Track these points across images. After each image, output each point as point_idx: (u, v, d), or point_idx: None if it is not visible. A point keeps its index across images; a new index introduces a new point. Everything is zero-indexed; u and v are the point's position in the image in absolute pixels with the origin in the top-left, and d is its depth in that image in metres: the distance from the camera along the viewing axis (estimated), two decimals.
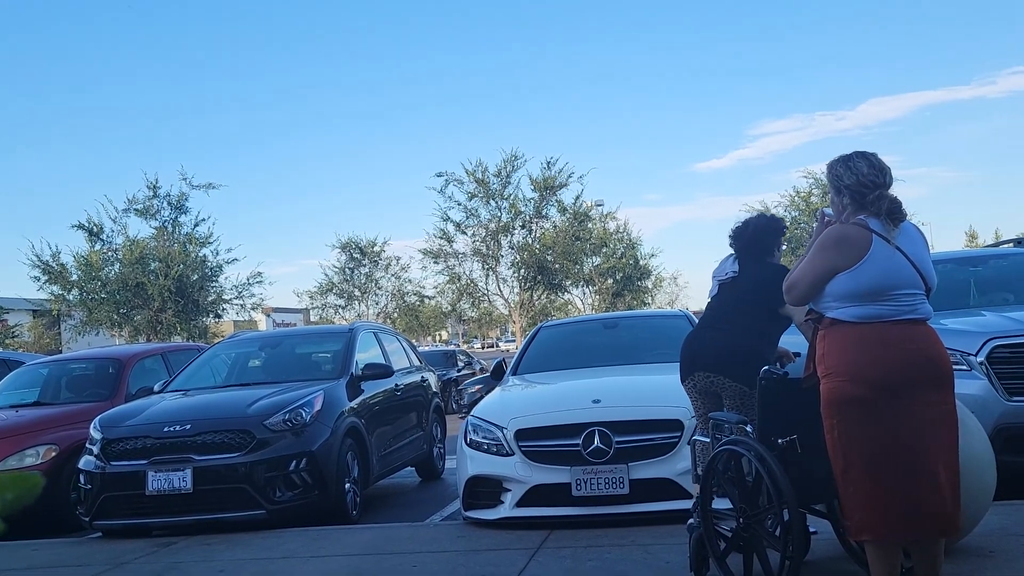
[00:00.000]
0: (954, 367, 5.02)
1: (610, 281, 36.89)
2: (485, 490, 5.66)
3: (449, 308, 35.01)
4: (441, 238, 31.06)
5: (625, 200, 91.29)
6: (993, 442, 4.81)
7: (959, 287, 6.80)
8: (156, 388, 7.76)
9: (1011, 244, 7.73)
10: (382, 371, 7.79)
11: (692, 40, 67.00)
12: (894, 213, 3.34)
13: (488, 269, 31.45)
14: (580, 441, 5.38)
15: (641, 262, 38.33)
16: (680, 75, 68.44)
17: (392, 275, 37.25)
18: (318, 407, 6.65)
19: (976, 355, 5.14)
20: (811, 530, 4.20)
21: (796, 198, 35.53)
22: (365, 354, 8.03)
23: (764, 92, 68.82)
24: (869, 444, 3.15)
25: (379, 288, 37.31)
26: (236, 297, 27.38)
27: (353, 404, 7.15)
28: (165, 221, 26.34)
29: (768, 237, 4.51)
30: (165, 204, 26.20)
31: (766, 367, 3.75)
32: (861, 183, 3.34)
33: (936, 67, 64.86)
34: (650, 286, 41.11)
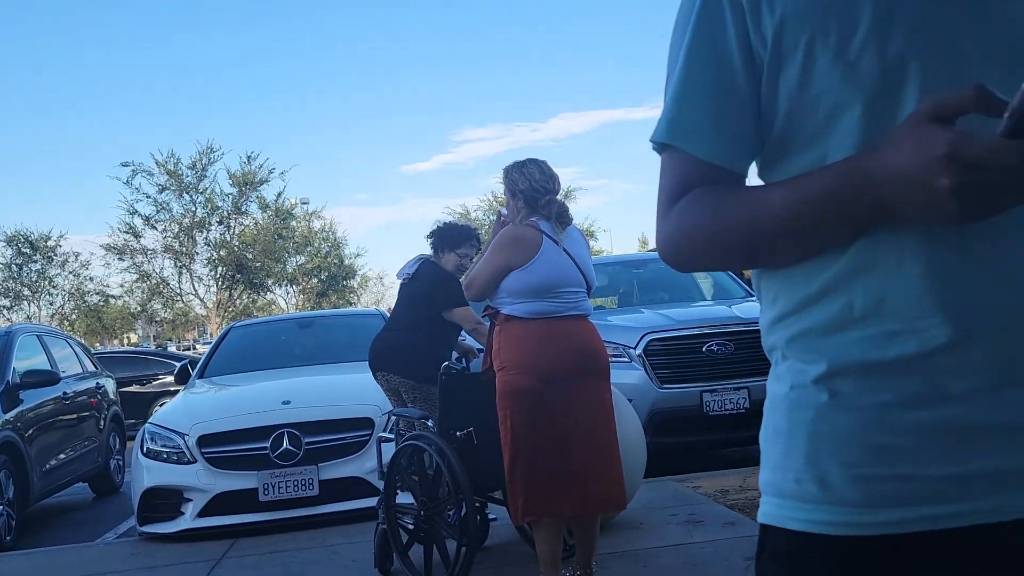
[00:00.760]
0: (617, 359, 5.61)
1: (315, 280, 36.25)
2: (164, 502, 5.32)
3: (139, 309, 32.34)
4: (127, 233, 28.53)
5: (332, 199, 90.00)
6: (648, 426, 5.39)
7: (626, 287, 7.55)
8: None
9: None
10: (46, 378, 7.02)
11: (401, 43, 67.82)
12: (562, 217, 3.60)
13: (182, 267, 29.44)
14: (268, 444, 5.23)
15: (347, 262, 38.11)
16: (388, 77, 69.01)
17: (70, 272, 33.57)
18: None
19: (635, 348, 5.71)
20: (491, 517, 4.42)
21: (495, 202, 37.27)
22: (26, 360, 7.18)
23: (467, 101, 71.49)
24: (537, 431, 3.37)
25: (54, 287, 33.45)
26: None
27: (8, 416, 6.36)
28: None
29: (444, 241, 4.71)
30: None
31: (446, 363, 3.89)
32: (534, 188, 3.56)
33: (616, 89, 71.57)
34: (356, 286, 40.98)
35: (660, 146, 0.94)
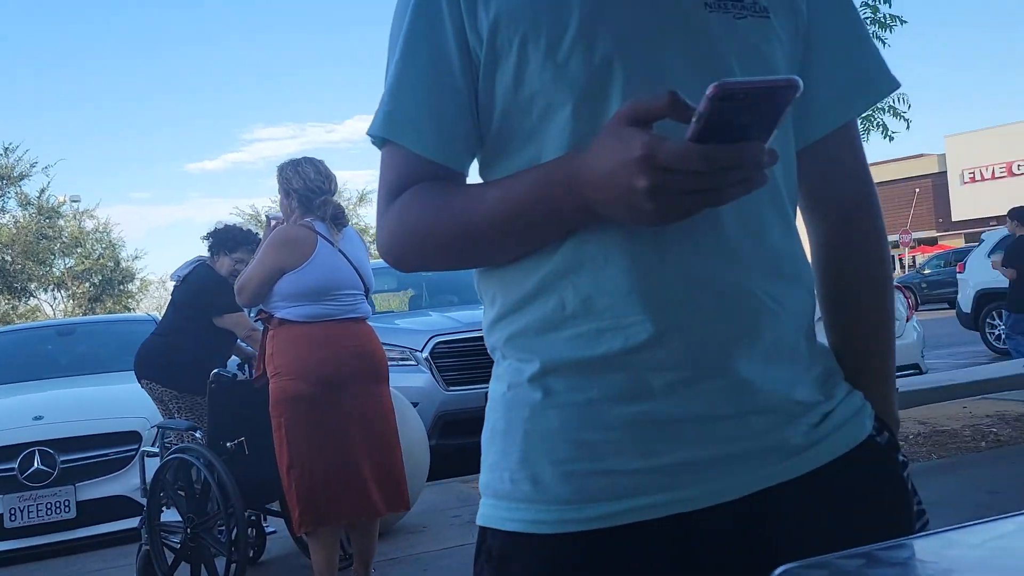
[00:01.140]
0: (403, 363, 5.58)
1: (87, 285, 33.49)
2: None
3: None
4: None
5: (107, 197, 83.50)
6: (434, 428, 5.40)
7: (416, 290, 7.55)
8: None
9: None
10: None
11: (186, 32, 64.36)
12: (338, 218, 3.52)
13: None
14: (16, 464, 4.75)
15: (124, 264, 35.51)
16: (172, 69, 65.21)
17: None
18: None
19: (421, 351, 5.70)
20: (269, 530, 4.24)
21: None
22: None
23: (259, 98, 69.01)
24: (312, 438, 3.26)
25: None
26: None
27: None
28: None
29: (220, 244, 4.50)
30: None
31: (216, 370, 3.69)
32: (309, 188, 3.45)
33: None
34: (135, 290, 38.29)
35: (380, 141, 0.91)
